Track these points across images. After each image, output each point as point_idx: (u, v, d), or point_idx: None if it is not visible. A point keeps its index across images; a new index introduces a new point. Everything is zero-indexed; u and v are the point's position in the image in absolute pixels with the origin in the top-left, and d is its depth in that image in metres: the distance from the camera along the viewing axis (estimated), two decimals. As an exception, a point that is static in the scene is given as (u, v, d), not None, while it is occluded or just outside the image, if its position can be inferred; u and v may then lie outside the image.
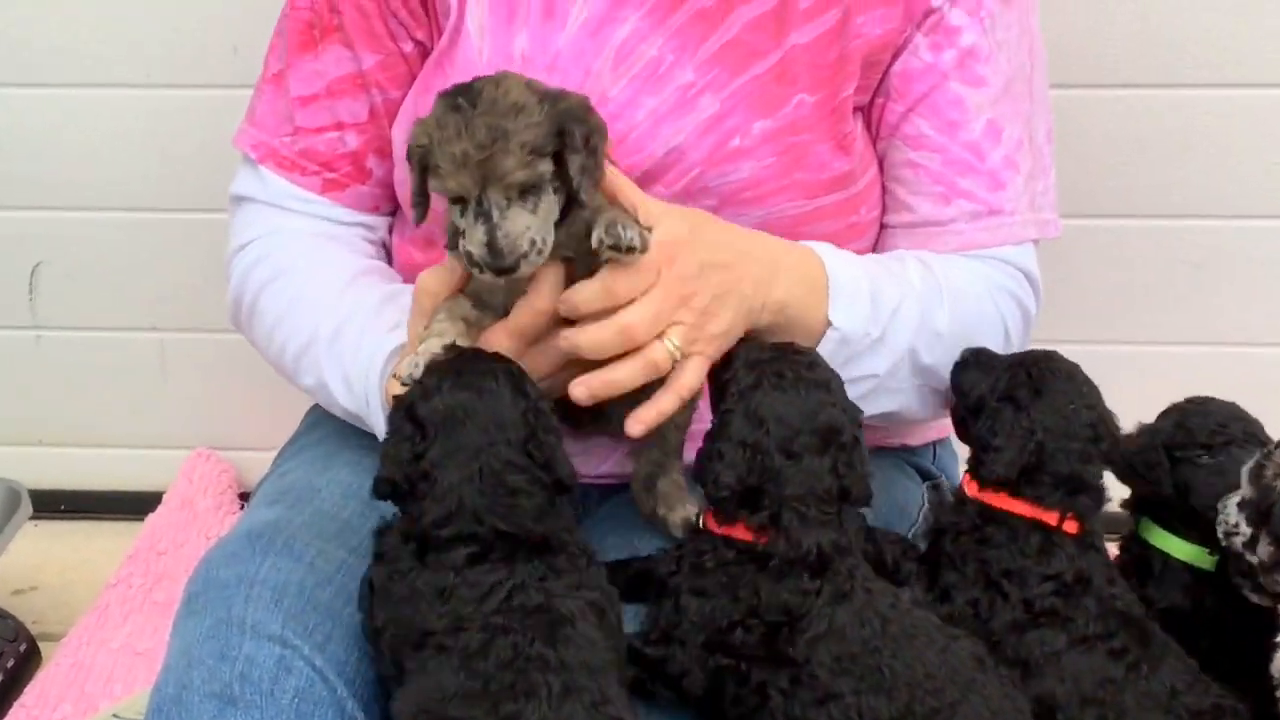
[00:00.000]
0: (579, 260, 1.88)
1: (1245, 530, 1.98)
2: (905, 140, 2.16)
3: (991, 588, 1.97)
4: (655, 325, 1.88)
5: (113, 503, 3.40)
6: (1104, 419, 2.03)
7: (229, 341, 3.15)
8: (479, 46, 2.10)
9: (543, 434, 1.81)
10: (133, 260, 3.24)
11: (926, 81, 2.13)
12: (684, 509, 2.01)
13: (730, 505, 1.84)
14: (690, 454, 2.09)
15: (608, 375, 1.88)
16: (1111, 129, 3.01)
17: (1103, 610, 1.96)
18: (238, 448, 3.35)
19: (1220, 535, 2.01)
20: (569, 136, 1.82)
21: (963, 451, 2.14)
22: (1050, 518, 1.99)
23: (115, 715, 2.72)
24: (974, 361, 2.09)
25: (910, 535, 2.20)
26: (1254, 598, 2.00)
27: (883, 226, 2.22)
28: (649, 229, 1.86)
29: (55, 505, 3.38)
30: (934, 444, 2.44)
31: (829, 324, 2.04)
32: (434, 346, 1.85)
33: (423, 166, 1.85)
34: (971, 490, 2.03)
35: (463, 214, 1.83)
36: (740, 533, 1.85)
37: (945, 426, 2.44)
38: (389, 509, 2.05)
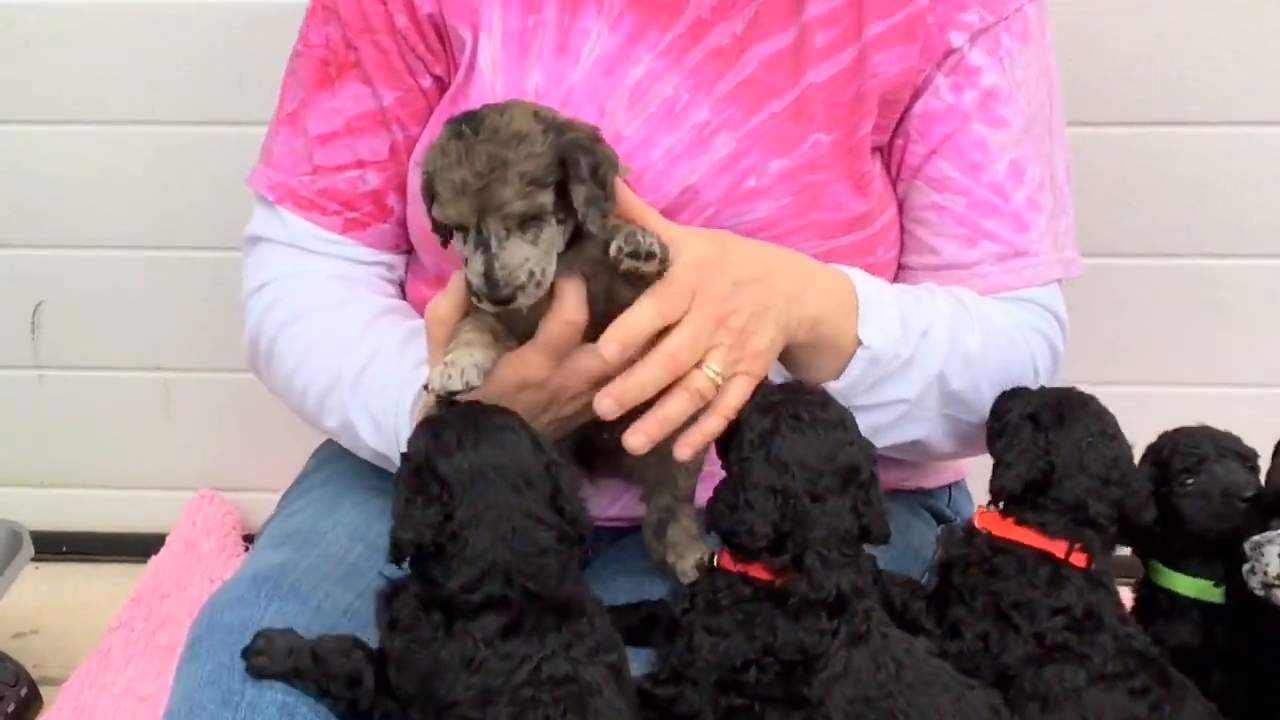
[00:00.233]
0: (594, 284, 1.88)
1: None
2: (928, 182, 2.17)
3: (1002, 620, 1.97)
4: (695, 351, 1.87)
5: (115, 545, 3.39)
6: (1123, 468, 2.04)
7: (234, 381, 3.18)
8: (491, 82, 2.11)
9: (567, 487, 1.80)
10: (136, 299, 3.25)
11: (949, 123, 2.14)
12: (694, 557, 2.01)
13: (756, 549, 1.84)
14: (701, 498, 2.10)
15: (661, 414, 1.86)
16: (1126, 167, 3.02)
17: (1120, 649, 1.96)
18: (242, 489, 3.35)
19: (1256, 587, 1.99)
20: (573, 167, 1.82)
21: (979, 495, 2.15)
22: (1058, 548, 1.99)
23: (117, 761, 2.73)
24: (1014, 391, 2.11)
25: (924, 579, 2.20)
26: None
27: (905, 268, 2.23)
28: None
29: (57, 547, 3.38)
30: (949, 486, 2.44)
31: (859, 343, 2.04)
32: (463, 357, 1.83)
33: (429, 193, 1.86)
34: (980, 522, 2.04)
35: (465, 242, 1.84)
36: (758, 571, 1.85)
37: (961, 469, 2.44)
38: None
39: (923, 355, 2.08)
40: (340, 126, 2.20)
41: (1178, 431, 2.15)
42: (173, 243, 3.20)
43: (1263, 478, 2.11)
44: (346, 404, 2.09)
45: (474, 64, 2.12)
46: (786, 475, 1.84)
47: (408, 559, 1.77)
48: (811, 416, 1.86)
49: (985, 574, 2.00)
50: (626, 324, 1.84)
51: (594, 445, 2.04)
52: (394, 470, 2.07)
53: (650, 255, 1.83)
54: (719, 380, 1.88)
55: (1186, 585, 2.11)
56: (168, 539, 3.26)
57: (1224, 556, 2.07)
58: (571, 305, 1.86)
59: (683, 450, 1.88)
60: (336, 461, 2.25)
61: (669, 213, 2.05)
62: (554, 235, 1.83)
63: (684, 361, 1.86)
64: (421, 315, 1.95)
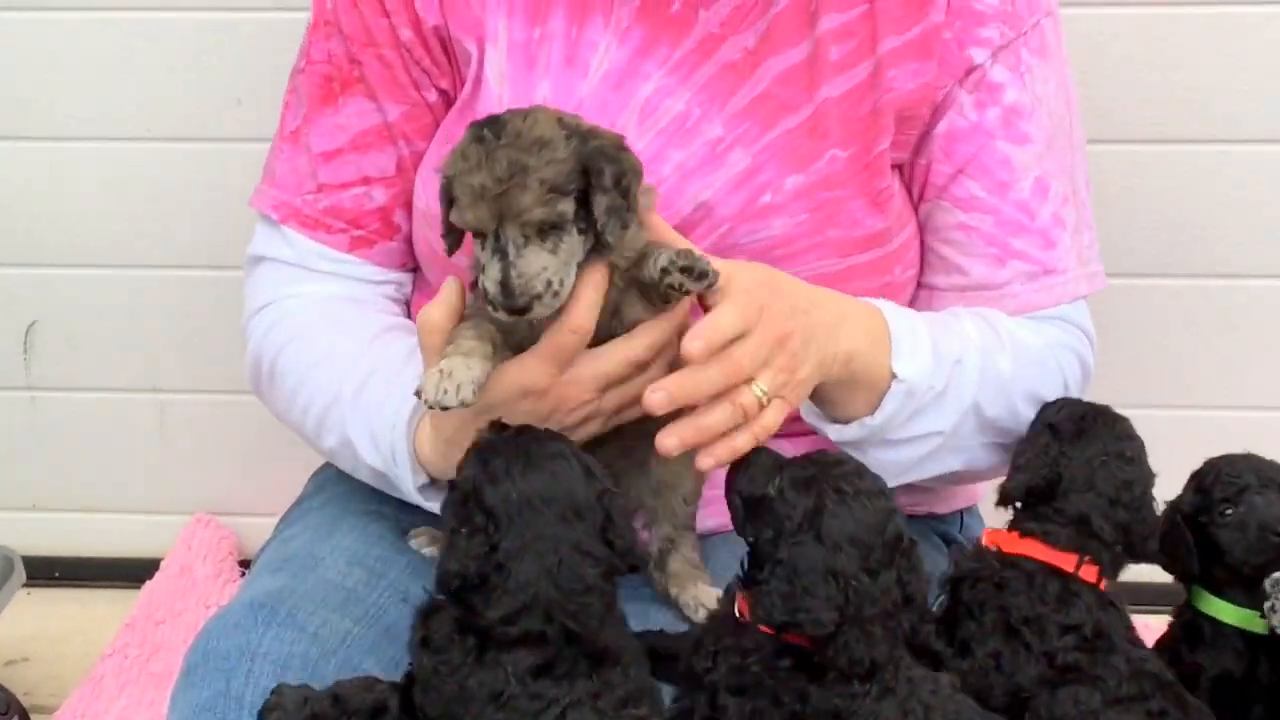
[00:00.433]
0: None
1: None
2: (955, 202, 2.17)
3: (1013, 637, 1.97)
4: (755, 364, 1.88)
5: (109, 570, 3.39)
6: (1135, 493, 2.04)
7: (230, 403, 3.18)
8: (499, 94, 2.11)
9: (619, 518, 1.77)
10: (131, 319, 3.25)
11: (974, 142, 2.15)
12: (696, 589, 2.00)
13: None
14: (705, 521, 2.09)
15: (702, 421, 1.86)
16: (1142, 186, 3.02)
17: (1133, 671, 1.96)
18: (239, 513, 3.35)
19: (1277, 625, 1.99)
20: (596, 175, 1.81)
21: (991, 520, 2.15)
22: (1066, 562, 1.99)
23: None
24: (1056, 402, 2.12)
25: (935, 602, 2.20)
26: None
27: (933, 289, 2.23)
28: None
29: (49, 572, 3.38)
30: (961, 512, 2.43)
31: (894, 376, 2.04)
32: (460, 369, 1.81)
33: (448, 198, 1.85)
34: (988, 539, 2.05)
35: (482, 248, 1.83)
36: (795, 637, 1.81)
37: (975, 493, 2.44)
38: (396, 579, 2.07)
39: (956, 385, 2.09)
40: (345, 143, 2.20)
41: (1222, 459, 2.14)
42: (169, 261, 3.20)
43: None
44: (346, 421, 2.08)
45: (480, 77, 2.12)
46: (841, 555, 1.79)
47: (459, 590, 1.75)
48: (855, 489, 1.82)
49: (994, 588, 2.00)
50: (712, 326, 1.84)
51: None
52: (393, 492, 2.08)
53: (703, 275, 1.82)
54: (764, 400, 1.88)
55: (1230, 614, 2.10)
56: (162, 564, 3.26)
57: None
58: (580, 314, 1.85)
59: (706, 460, 1.88)
60: (334, 485, 2.25)
61: (682, 229, 2.05)
62: (574, 245, 1.83)
63: (745, 371, 1.87)
64: None
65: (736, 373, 1.86)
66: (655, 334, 1.88)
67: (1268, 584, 1.99)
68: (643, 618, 2.02)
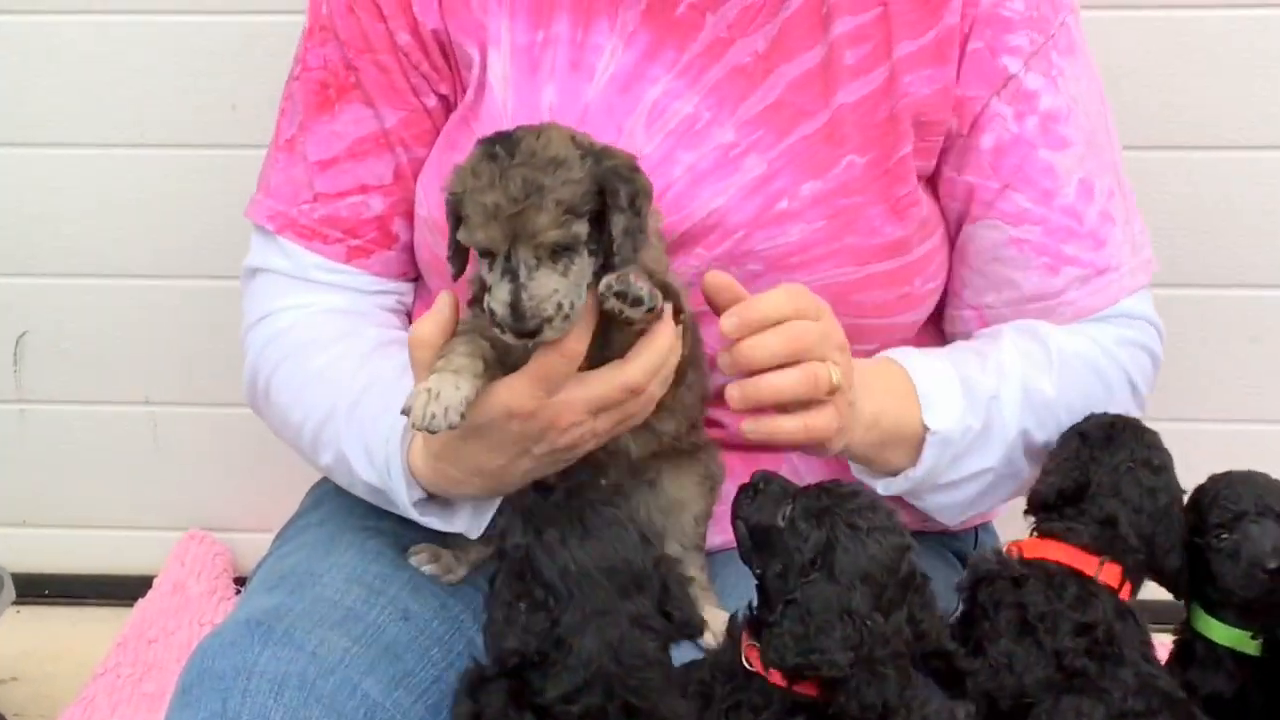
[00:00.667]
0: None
1: None
2: (1003, 218, 2.19)
3: (1027, 635, 1.98)
4: (822, 344, 1.92)
5: (100, 587, 3.40)
6: (1160, 503, 2.06)
7: (225, 416, 3.18)
8: (503, 99, 2.12)
9: (676, 587, 1.77)
10: (124, 330, 3.26)
11: (1016, 154, 2.16)
12: (705, 614, 1.99)
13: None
14: (712, 539, 2.09)
15: (773, 380, 1.89)
16: (1159, 193, 3.02)
17: (1141, 685, 1.96)
18: (234, 529, 3.35)
19: None
20: (612, 196, 1.81)
21: (1009, 534, 2.16)
22: (1087, 565, 2.01)
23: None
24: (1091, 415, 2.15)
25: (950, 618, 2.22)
26: None
27: (984, 309, 2.25)
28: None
29: (39, 590, 3.38)
30: (976, 529, 2.43)
31: (926, 429, 2.08)
32: (449, 390, 1.81)
33: (455, 216, 1.85)
34: (1009, 546, 2.07)
35: (490, 268, 1.82)
36: (809, 689, 1.82)
37: (990, 510, 2.43)
38: (395, 596, 2.07)
39: (998, 420, 2.12)
40: (341, 151, 2.20)
41: (1223, 478, 2.14)
42: (162, 271, 3.20)
43: None
44: (340, 436, 2.09)
45: (484, 81, 2.13)
46: (854, 594, 1.79)
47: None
48: (869, 524, 1.82)
49: (1011, 585, 2.01)
50: (751, 304, 1.90)
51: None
52: (390, 508, 2.08)
53: (637, 301, 1.82)
54: (837, 383, 1.92)
55: (1222, 634, 2.11)
56: (155, 581, 3.26)
57: (1261, 611, 2.08)
58: (572, 339, 1.85)
59: (749, 423, 1.92)
60: (332, 500, 2.25)
61: (695, 234, 2.08)
62: (585, 267, 1.82)
63: (810, 347, 1.90)
64: None
65: (798, 343, 1.89)
66: (648, 357, 1.88)
67: None
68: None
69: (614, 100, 2.11)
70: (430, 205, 2.16)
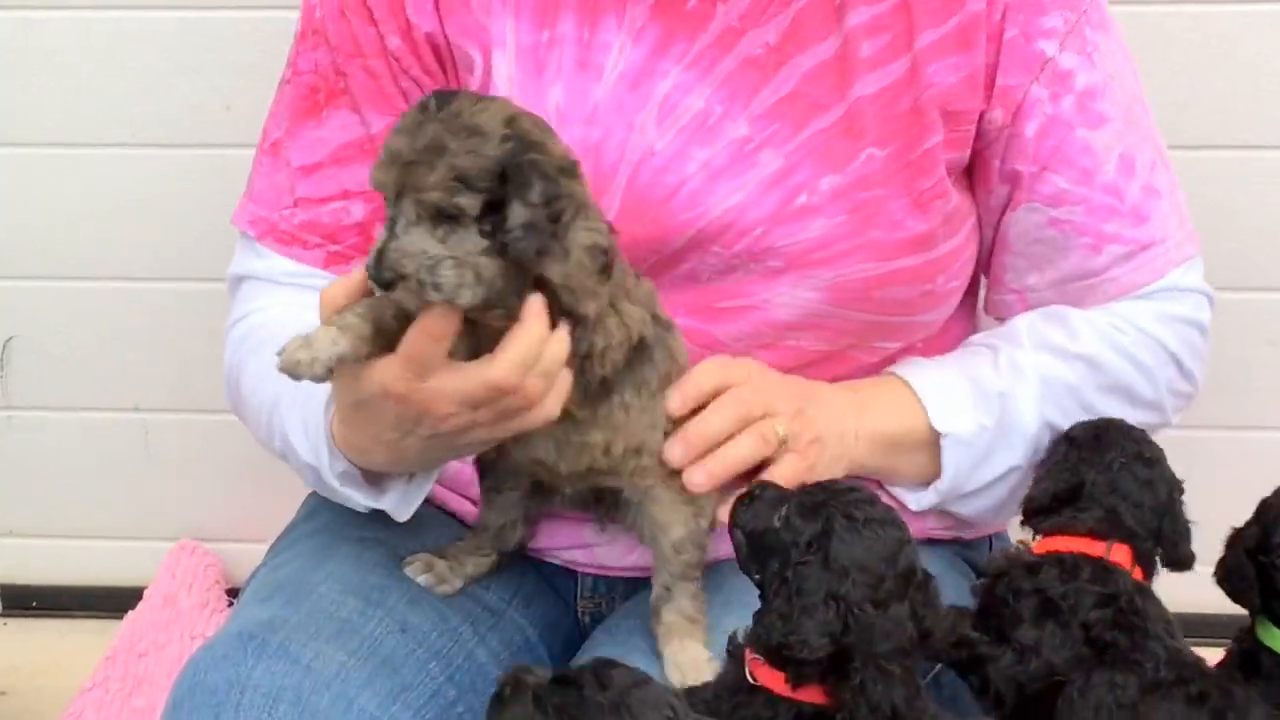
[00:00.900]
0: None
1: None
2: (1043, 200, 2.20)
3: (1048, 616, 1.99)
4: (761, 404, 2.02)
5: (89, 599, 3.40)
6: (1160, 494, 2.07)
7: (217, 423, 3.18)
8: (509, 99, 2.11)
9: None
10: (114, 335, 3.26)
11: (1055, 135, 2.17)
12: (683, 648, 2.01)
13: (809, 665, 1.81)
14: (714, 552, 2.10)
15: (729, 453, 2.00)
16: (1189, 193, 2.99)
17: (1171, 657, 1.97)
18: (226, 539, 3.35)
19: None
20: (518, 186, 1.79)
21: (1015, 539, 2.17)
22: (1096, 548, 2.03)
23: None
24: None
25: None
26: None
27: (1025, 291, 2.26)
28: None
29: (26, 602, 3.39)
30: (990, 537, 2.43)
31: (938, 434, 2.14)
32: (325, 342, 1.82)
33: None
34: (1018, 544, 2.11)
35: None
36: (814, 696, 1.82)
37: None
38: (393, 608, 2.08)
39: (1013, 414, 2.16)
40: (325, 156, 2.21)
41: None
42: (154, 274, 3.21)
43: None
44: (285, 419, 2.09)
45: (488, 84, 2.14)
46: (846, 581, 1.80)
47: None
48: (865, 516, 1.83)
49: (1027, 573, 2.03)
50: (688, 379, 2.01)
51: (600, 495, 2.08)
52: (334, 496, 2.09)
53: (437, 286, 1.80)
54: (784, 436, 2.01)
55: None
56: (145, 593, 3.26)
57: None
58: (435, 318, 1.83)
59: (721, 509, 2.00)
60: (328, 509, 2.25)
61: (710, 233, 2.10)
62: (469, 245, 1.81)
63: (754, 409, 2.01)
64: None
65: (745, 410, 2.00)
66: (510, 353, 1.85)
67: None
68: (653, 650, 2.04)
69: (624, 97, 2.11)
70: None
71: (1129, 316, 2.21)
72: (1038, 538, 2.10)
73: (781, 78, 2.12)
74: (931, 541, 2.26)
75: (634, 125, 2.10)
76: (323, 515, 2.26)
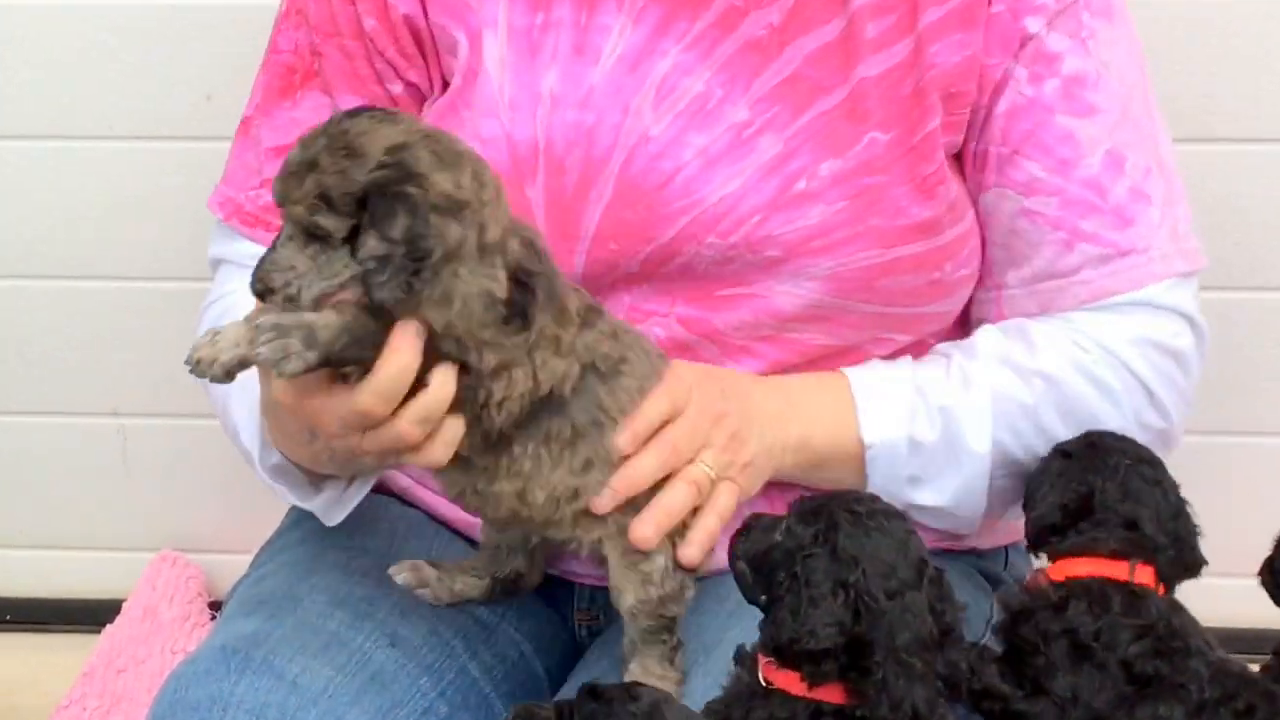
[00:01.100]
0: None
1: None
2: (1015, 187, 2.17)
3: (1084, 658, 1.97)
4: (694, 441, 1.99)
5: (65, 612, 3.38)
6: (1171, 495, 2.06)
7: (199, 428, 3.18)
8: (499, 83, 2.12)
9: None
10: (90, 336, 3.25)
11: (1030, 118, 2.15)
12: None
13: (825, 663, 1.80)
14: (711, 565, 2.07)
15: (664, 503, 1.96)
16: (1199, 188, 2.99)
17: (1215, 673, 1.96)
18: (209, 550, 3.33)
19: None
20: (379, 218, 1.77)
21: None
22: (1118, 570, 2.01)
23: None
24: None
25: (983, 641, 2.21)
26: None
27: (1002, 288, 2.24)
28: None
29: (-1, 615, 3.38)
30: (1006, 548, 2.43)
31: (864, 444, 2.13)
32: (228, 344, 1.81)
33: None
34: (1033, 577, 2.07)
35: None
36: (834, 695, 1.81)
37: (1017, 528, 2.42)
38: (383, 621, 2.08)
39: (958, 429, 2.14)
40: (294, 139, 2.20)
41: None
42: (131, 273, 3.20)
43: None
44: (235, 405, 2.11)
45: (476, 67, 2.13)
46: (855, 570, 1.79)
47: None
48: (869, 509, 1.83)
49: (1053, 614, 2.00)
50: (638, 415, 1.95)
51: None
52: (264, 482, 2.11)
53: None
54: (712, 475, 1.99)
55: None
56: (125, 606, 3.25)
57: None
58: (407, 350, 1.83)
59: (691, 551, 1.98)
60: (314, 518, 2.24)
61: (705, 222, 2.09)
62: (336, 269, 1.80)
63: (683, 451, 1.97)
64: None
65: (674, 454, 1.97)
66: (371, 381, 1.83)
67: None
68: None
69: (622, 79, 2.11)
70: None
71: (1095, 334, 2.17)
72: (1044, 558, 2.09)
73: (784, 59, 2.12)
74: (945, 553, 2.26)
75: (629, 109, 2.10)
76: (308, 524, 2.25)
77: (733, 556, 1.87)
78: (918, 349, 2.22)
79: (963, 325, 2.27)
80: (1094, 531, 2.03)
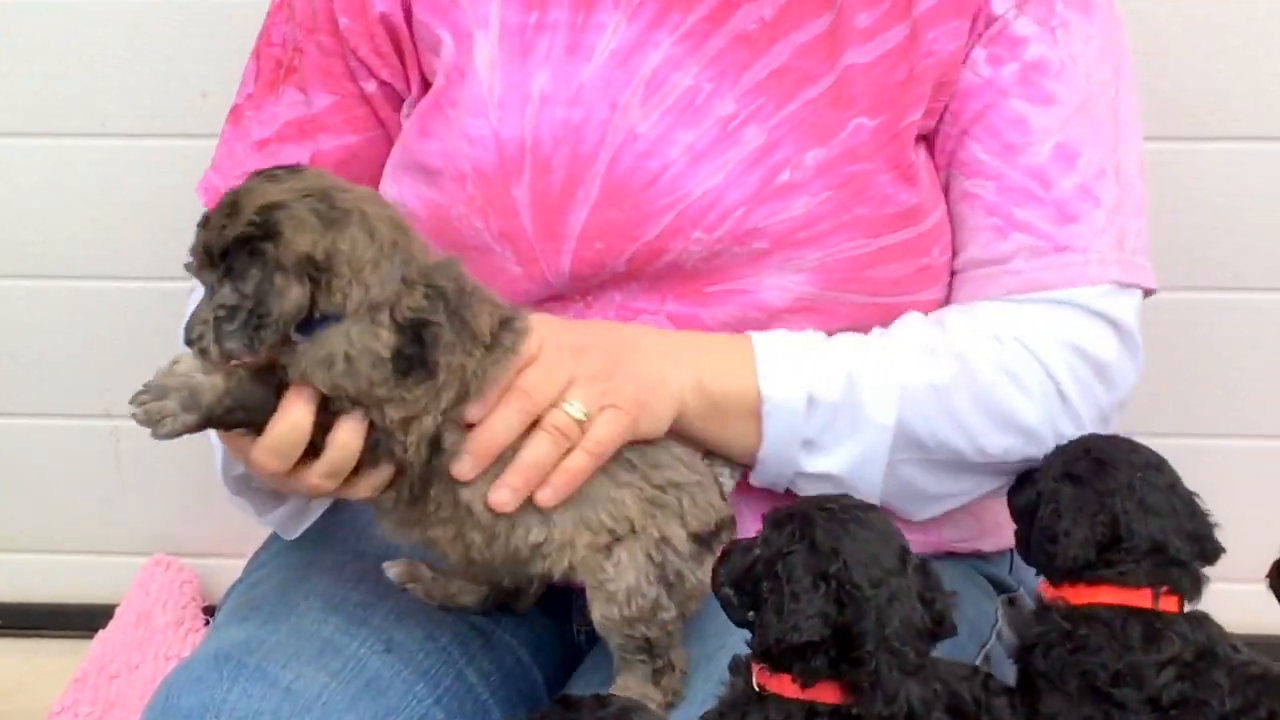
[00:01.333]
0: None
1: None
2: (960, 168, 2.18)
3: (1103, 701, 1.96)
4: (553, 380, 1.94)
5: (57, 617, 3.39)
6: (1183, 495, 2.04)
7: (193, 431, 3.18)
8: (489, 84, 2.14)
9: None
10: (82, 336, 3.26)
11: (981, 99, 2.15)
12: None
13: (815, 659, 1.81)
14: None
15: (522, 458, 1.92)
16: (1194, 187, 3.01)
17: (1236, 682, 1.96)
18: (203, 554, 3.35)
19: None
20: (234, 274, 1.83)
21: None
22: (1142, 599, 1.99)
23: None
24: (1024, 476, 2.12)
25: (981, 654, 2.22)
26: None
27: (956, 272, 2.23)
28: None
29: (-11, 621, 3.39)
30: (1010, 551, 2.41)
31: (760, 396, 2.09)
32: (173, 398, 1.87)
33: None
34: (1049, 593, 2.04)
35: None
36: (828, 694, 1.82)
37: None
38: (379, 626, 2.09)
39: (863, 397, 2.10)
40: (273, 134, 2.27)
41: None
42: (125, 272, 3.21)
43: None
44: None
45: (463, 66, 2.15)
46: (836, 560, 1.80)
47: None
48: (842, 504, 1.85)
49: (1072, 651, 1.99)
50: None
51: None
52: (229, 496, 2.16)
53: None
54: (582, 416, 1.94)
55: None
56: (117, 611, 3.25)
57: None
58: (300, 407, 1.88)
59: (546, 494, 1.94)
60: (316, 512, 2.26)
61: (691, 216, 2.11)
62: (239, 324, 1.84)
63: (542, 393, 1.93)
64: None
65: (531, 401, 1.93)
66: (264, 437, 1.89)
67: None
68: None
69: (612, 74, 2.13)
70: (394, 192, 2.19)
71: (1014, 327, 2.15)
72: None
73: (774, 53, 2.13)
74: (949, 555, 2.27)
75: (617, 105, 2.12)
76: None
77: (716, 584, 1.88)
78: None
79: None
80: (1123, 565, 2.00)
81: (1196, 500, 2.05)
